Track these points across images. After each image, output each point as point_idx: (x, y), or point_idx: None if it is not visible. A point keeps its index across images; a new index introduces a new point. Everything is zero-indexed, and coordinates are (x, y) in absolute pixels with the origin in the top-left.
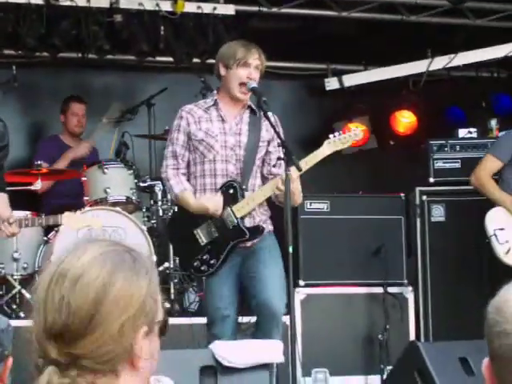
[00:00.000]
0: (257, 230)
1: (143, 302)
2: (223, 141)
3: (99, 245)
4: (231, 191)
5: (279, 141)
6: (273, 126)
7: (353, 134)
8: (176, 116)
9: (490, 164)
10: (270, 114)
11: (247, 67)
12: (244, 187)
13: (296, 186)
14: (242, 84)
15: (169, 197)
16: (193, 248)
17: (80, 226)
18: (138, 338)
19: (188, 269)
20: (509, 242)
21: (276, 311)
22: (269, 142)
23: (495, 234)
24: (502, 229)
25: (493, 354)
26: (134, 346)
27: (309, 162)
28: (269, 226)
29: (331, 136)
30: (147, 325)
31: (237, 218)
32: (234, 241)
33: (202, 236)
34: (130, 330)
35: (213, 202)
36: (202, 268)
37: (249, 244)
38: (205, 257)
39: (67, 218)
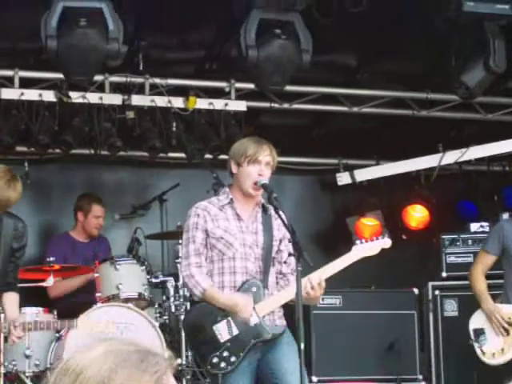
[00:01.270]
0: (278, 331)
1: None
2: (242, 239)
3: (109, 343)
4: (254, 289)
5: (289, 237)
6: (284, 224)
7: (382, 241)
8: (190, 214)
9: (483, 259)
10: (280, 212)
11: (258, 164)
12: (265, 285)
13: (317, 295)
14: (254, 183)
15: (181, 293)
16: (211, 344)
17: (94, 331)
18: None
19: (205, 365)
20: (484, 342)
21: None
22: (280, 241)
23: (475, 334)
24: (481, 329)
25: None
26: None
27: (336, 266)
28: (283, 321)
29: (358, 242)
30: None
31: (259, 317)
32: (256, 340)
33: (221, 332)
34: None
35: (244, 300)
36: (222, 365)
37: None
38: (224, 354)
39: (82, 323)
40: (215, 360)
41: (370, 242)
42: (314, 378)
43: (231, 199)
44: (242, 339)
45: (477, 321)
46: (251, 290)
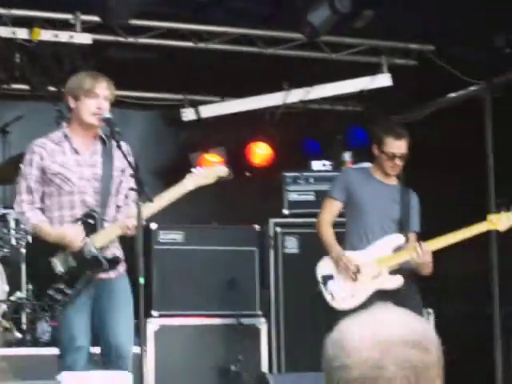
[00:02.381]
0: (115, 262)
1: None
2: (79, 172)
3: None
4: (91, 221)
5: (131, 171)
6: (125, 157)
7: (218, 169)
8: (27, 150)
9: (329, 206)
10: (122, 143)
11: (95, 97)
12: (104, 218)
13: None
14: (94, 114)
15: (22, 226)
16: (49, 277)
17: None
18: None
19: (43, 298)
20: (333, 288)
21: (124, 352)
22: (122, 171)
23: (324, 281)
24: (329, 276)
25: None
26: None
27: (171, 196)
28: (123, 267)
29: (194, 170)
30: None
31: (96, 248)
32: (92, 271)
33: (58, 265)
34: None
35: (72, 231)
36: (58, 297)
37: (105, 276)
38: (61, 286)
39: None
40: (52, 292)
41: (205, 170)
42: (155, 313)
43: (67, 134)
44: (78, 271)
45: (325, 267)
46: (88, 221)
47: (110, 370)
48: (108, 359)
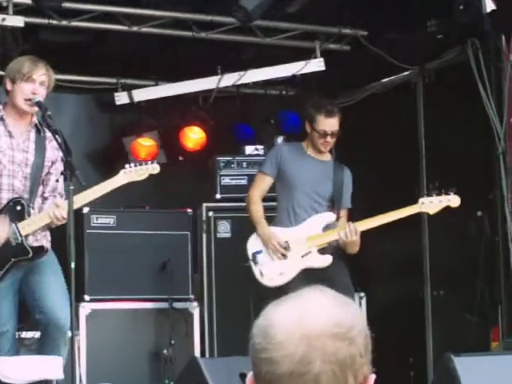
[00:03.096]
0: (40, 250)
1: None
2: (11, 156)
3: None
4: (18, 208)
5: (62, 155)
6: (58, 142)
7: (150, 167)
8: None
9: (260, 182)
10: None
11: (32, 82)
12: (31, 205)
13: None
14: (27, 99)
15: None
16: None
17: None
18: None
19: None
20: (262, 264)
21: (62, 322)
22: (52, 163)
23: (253, 257)
24: (259, 251)
25: (259, 377)
26: None
27: (102, 189)
28: (48, 243)
29: (127, 166)
30: None
31: (21, 236)
32: (17, 258)
33: None
34: None
35: None
36: None
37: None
38: None
39: None
40: None
41: (138, 166)
42: (87, 297)
43: (2, 116)
44: (2, 257)
45: (254, 244)
46: (16, 208)
47: (47, 340)
48: (46, 332)
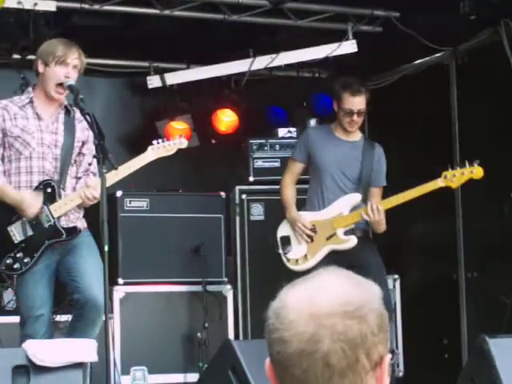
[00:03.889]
0: (73, 231)
1: None
2: (40, 138)
3: None
4: (49, 190)
5: (96, 140)
6: (90, 126)
7: (178, 141)
8: None
9: (291, 167)
10: (87, 114)
11: (65, 66)
12: (62, 186)
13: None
14: (59, 84)
15: None
16: (6, 245)
17: None
18: None
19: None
20: (289, 249)
21: (98, 301)
22: (83, 143)
23: (282, 243)
24: (287, 237)
25: (272, 358)
26: None
27: (132, 166)
28: (84, 223)
29: (155, 142)
30: None
31: (53, 218)
32: (50, 240)
33: (16, 233)
34: None
35: (32, 197)
36: (15, 266)
37: (65, 242)
38: (18, 255)
39: None
40: (9, 261)
41: (166, 141)
42: (120, 281)
43: (31, 98)
44: (36, 240)
45: (283, 229)
46: (47, 190)
47: (85, 319)
48: (82, 312)
